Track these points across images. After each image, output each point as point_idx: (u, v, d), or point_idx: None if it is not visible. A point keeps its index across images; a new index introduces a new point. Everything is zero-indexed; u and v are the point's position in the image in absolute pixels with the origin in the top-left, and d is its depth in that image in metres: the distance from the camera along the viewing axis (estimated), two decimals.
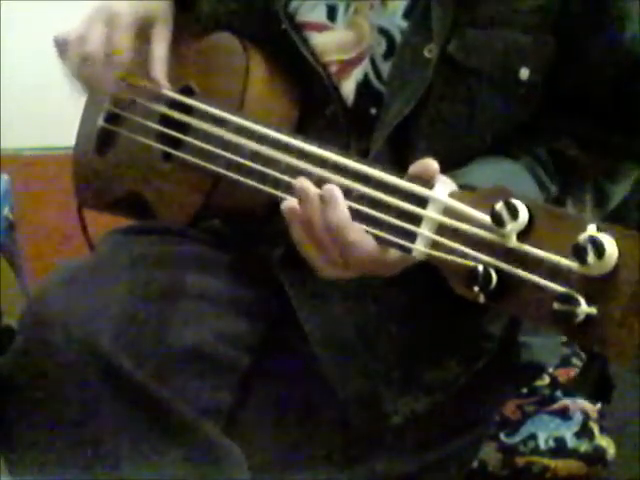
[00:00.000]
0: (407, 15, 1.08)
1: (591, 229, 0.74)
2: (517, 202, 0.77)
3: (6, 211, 1.82)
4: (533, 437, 1.42)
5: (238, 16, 1.18)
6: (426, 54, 1.06)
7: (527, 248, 0.77)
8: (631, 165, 1.11)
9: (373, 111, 1.11)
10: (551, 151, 1.09)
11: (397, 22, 1.09)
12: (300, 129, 1.12)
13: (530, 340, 1.19)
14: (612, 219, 1.08)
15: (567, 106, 1.08)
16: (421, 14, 1.07)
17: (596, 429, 1.41)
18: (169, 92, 1.16)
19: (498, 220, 0.78)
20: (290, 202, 0.92)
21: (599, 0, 1.05)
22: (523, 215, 0.77)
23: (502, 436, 1.42)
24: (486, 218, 0.79)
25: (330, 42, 1.13)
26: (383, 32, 1.09)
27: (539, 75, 1.07)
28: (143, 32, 1.16)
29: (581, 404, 1.41)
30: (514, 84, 1.07)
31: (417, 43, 1.06)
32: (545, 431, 1.42)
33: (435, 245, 0.84)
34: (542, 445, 1.41)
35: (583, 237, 0.73)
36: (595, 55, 1.07)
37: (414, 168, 0.89)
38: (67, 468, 1.00)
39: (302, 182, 0.91)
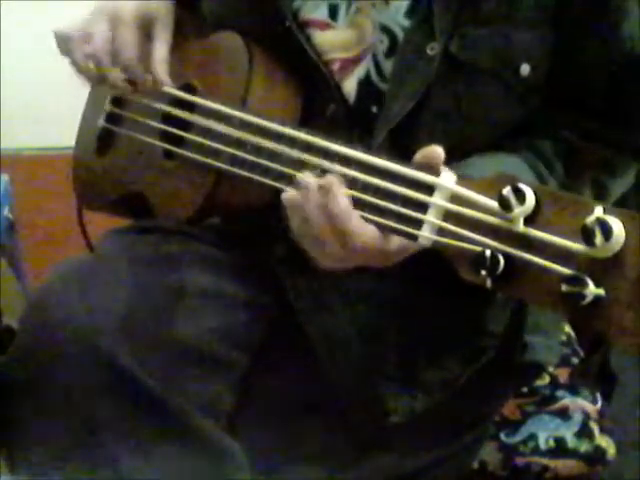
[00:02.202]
0: (409, 13, 1.09)
1: (598, 212, 0.74)
2: (524, 186, 0.78)
3: (6, 211, 1.82)
4: (533, 437, 1.42)
5: (241, 14, 1.18)
6: (428, 52, 1.06)
7: (534, 232, 0.77)
8: (630, 159, 1.11)
9: (374, 109, 1.11)
10: (552, 139, 1.09)
11: (399, 20, 1.09)
12: (302, 127, 1.12)
13: (530, 340, 1.19)
14: None
15: (566, 101, 1.09)
16: (423, 12, 1.07)
17: (596, 429, 1.42)
18: (172, 89, 1.17)
19: (505, 205, 0.78)
20: (289, 193, 0.93)
21: None
22: (530, 199, 0.77)
23: (502, 436, 1.42)
24: (493, 203, 0.80)
25: (332, 40, 1.13)
26: (385, 30, 1.10)
27: (539, 71, 1.08)
28: (145, 31, 1.17)
29: (581, 404, 1.42)
30: (515, 80, 1.07)
31: (419, 41, 1.07)
32: (545, 431, 1.42)
33: (442, 232, 0.84)
34: (542, 445, 1.41)
35: (590, 219, 0.73)
36: (594, 50, 1.08)
37: (420, 156, 0.89)
38: (67, 468, 1.00)
39: (303, 174, 0.93)
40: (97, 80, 1.19)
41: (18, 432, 1.02)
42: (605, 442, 1.41)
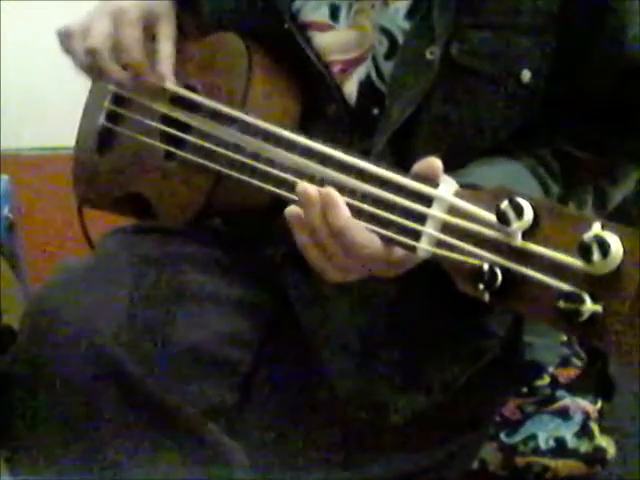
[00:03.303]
0: (409, 16, 1.08)
1: (596, 227, 0.74)
2: (522, 201, 0.78)
3: (6, 211, 1.82)
4: (533, 437, 1.42)
5: (240, 15, 1.18)
6: (428, 56, 1.06)
7: (532, 247, 0.77)
8: (631, 167, 1.11)
9: (375, 111, 1.11)
10: (553, 149, 1.09)
11: (399, 22, 1.09)
12: (302, 128, 1.11)
13: (530, 340, 1.19)
14: (612, 219, 1.08)
15: (568, 108, 1.08)
16: (423, 15, 1.07)
17: (596, 429, 1.42)
18: (175, 87, 1.16)
19: (503, 219, 0.78)
20: (294, 208, 0.91)
21: (600, 2, 1.06)
22: (528, 214, 0.77)
23: (502, 436, 1.42)
24: (491, 217, 0.80)
25: (333, 42, 1.13)
26: (385, 32, 1.09)
27: (540, 77, 1.07)
28: (148, 29, 1.16)
29: (581, 404, 1.42)
30: (515, 86, 1.07)
31: (419, 44, 1.06)
32: (545, 431, 1.42)
33: (440, 244, 0.84)
34: (542, 445, 1.41)
35: (588, 236, 0.73)
36: (596, 57, 1.07)
37: (418, 167, 0.89)
38: (67, 468, 1.00)
39: (304, 186, 0.90)
40: (97, 76, 1.19)
41: (18, 432, 1.02)
42: (605, 442, 1.41)
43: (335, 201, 0.89)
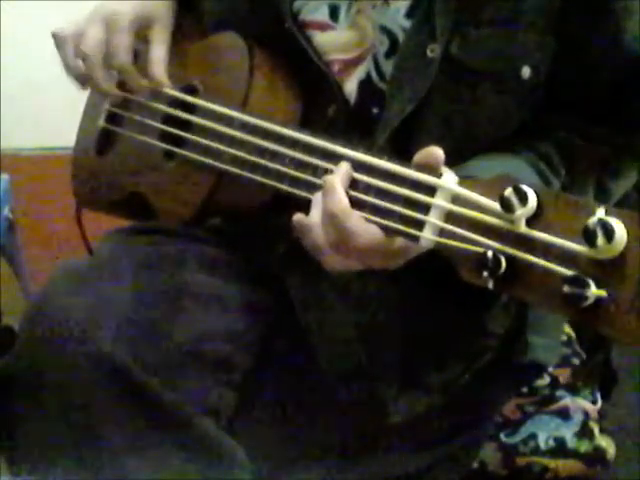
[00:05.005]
0: (410, 14, 1.09)
1: (600, 213, 0.74)
2: (526, 188, 0.78)
3: (6, 211, 1.82)
4: (533, 437, 1.42)
5: (241, 15, 1.18)
6: (429, 54, 1.06)
7: (536, 233, 0.77)
8: (632, 161, 1.11)
9: (375, 110, 1.11)
10: (554, 140, 1.09)
11: (400, 21, 1.09)
12: (303, 128, 1.12)
13: (531, 340, 1.19)
14: None
15: (567, 104, 1.09)
16: (424, 14, 1.07)
17: (596, 429, 1.42)
18: (171, 91, 1.17)
19: (507, 206, 0.78)
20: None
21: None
22: (532, 200, 0.77)
23: (502, 436, 1.42)
24: (495, 205, 0.80)
25: (332, 41, 1.13)
26: (385, 31, 1.10)
27: (540, 74, 1.07)
28: (142, 32, 1.17)
29: (581, 404, 1.42)
30: (515, 83, 1.07)
31: (419, 43, 1.07)
32: (545, 431, 1.42)
33: (443, 233, 0.84)
34: (542, 445, 1.41)
35: (592, 221, 0.73)
36: (595, 54, 1.08)
37: (420, 157, 0.89)
38: (67, 468, 0.99)
39: (345, 164, 0.95)
40: (84, 80, 1.19)
41: (18, 432, 1.02)
42: (605, 442, 1.41)
43: (333, 188, 0.91)
